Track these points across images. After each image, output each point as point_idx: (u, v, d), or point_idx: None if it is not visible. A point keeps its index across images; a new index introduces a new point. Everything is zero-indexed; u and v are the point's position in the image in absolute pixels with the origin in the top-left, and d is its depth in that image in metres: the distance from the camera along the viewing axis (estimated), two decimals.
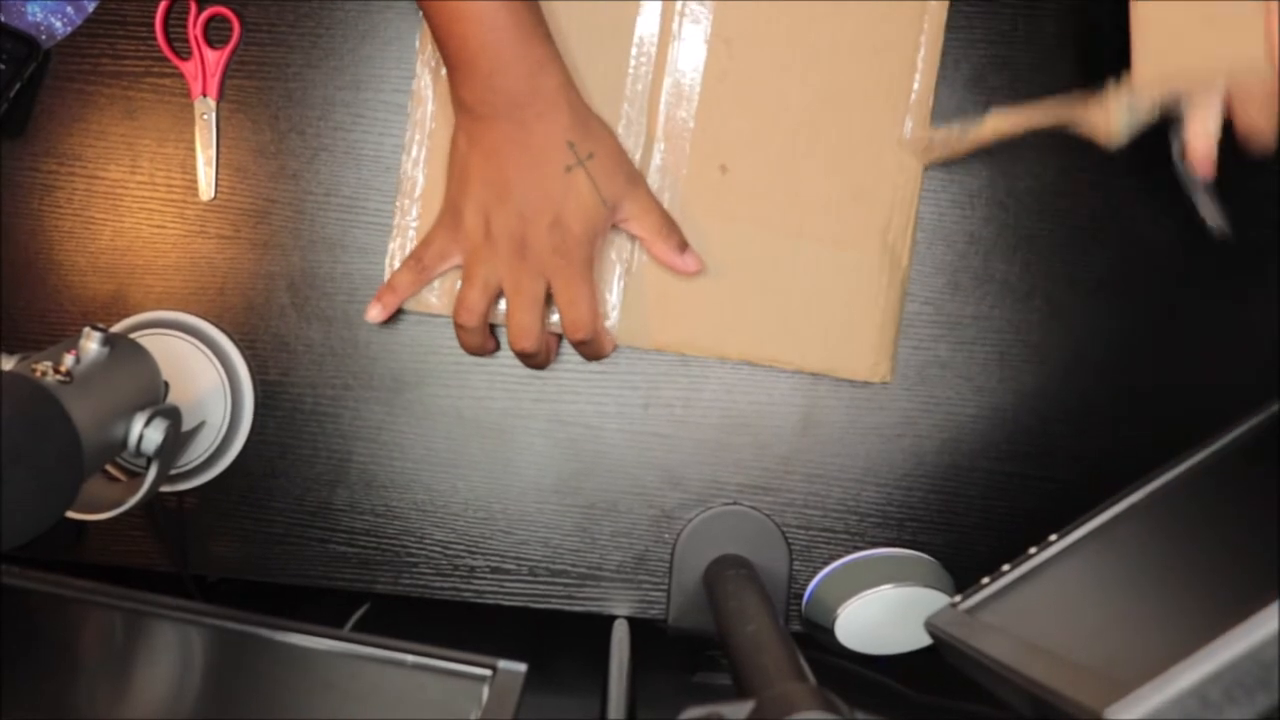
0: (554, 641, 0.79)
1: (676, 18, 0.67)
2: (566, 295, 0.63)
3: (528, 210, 0.60)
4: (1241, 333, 0.70)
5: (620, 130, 0.67)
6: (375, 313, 0.66)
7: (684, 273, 0.66)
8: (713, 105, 0.67)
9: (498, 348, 0.69)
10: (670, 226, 0.66)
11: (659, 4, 0.66)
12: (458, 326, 0.65)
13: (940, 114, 0.69)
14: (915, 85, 0.67)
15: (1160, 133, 0.69)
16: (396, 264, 0.69)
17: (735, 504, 0.71)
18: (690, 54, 0.67)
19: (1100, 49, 0.68)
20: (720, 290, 0.68)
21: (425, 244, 0.65)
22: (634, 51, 0.67)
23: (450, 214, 0.63)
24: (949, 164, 0.69)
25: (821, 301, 0.68)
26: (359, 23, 0.69)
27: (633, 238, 0.66)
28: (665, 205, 0.66)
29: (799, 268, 0.68)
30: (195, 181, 0.70)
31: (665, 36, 0.67)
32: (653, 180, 0.67)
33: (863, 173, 0.67)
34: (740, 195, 0.67)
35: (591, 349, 0.66)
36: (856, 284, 0.68)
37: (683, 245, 0.66)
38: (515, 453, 0.71)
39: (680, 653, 0.75)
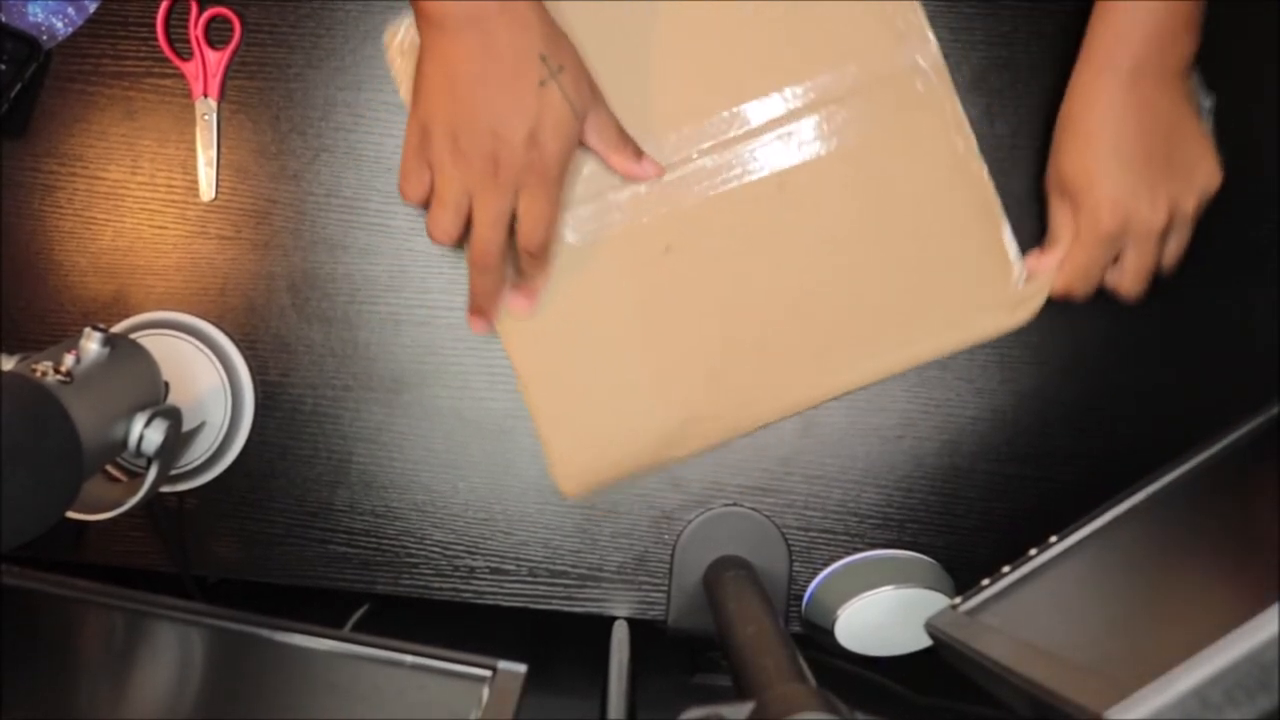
0: (554, 642, 0.79)
1: (779, 128, 0.67)
2: (533, 210, 0.61)
3: (501, 128, 0.58)
4: (1241, 333, 0.70)
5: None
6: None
7: (642, 178, 0.66)
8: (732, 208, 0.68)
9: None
10: (625, 137, 0.65)
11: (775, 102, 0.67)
12: (429, 229, 0.63)
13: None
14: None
15: None
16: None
17: (735, 505, 0.71)
18: (765, 157, 0.67)
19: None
20: (833, 319, 0.68)
21: (403, 174, 0.63)
22: (726, 115, 0.67)
23: (418, 131, 0.61)
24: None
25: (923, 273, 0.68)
26: (360, 23, 0.69)
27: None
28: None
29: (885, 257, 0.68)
30: (196, 182, 0.70)
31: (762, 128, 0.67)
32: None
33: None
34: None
35: (536, 265, 0.65)
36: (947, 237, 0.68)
37: (638, 153, 0.65)
38: (515, 453, 0.71)
39: (680, 654, 0.75)
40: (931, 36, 0.67)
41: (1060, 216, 0.65)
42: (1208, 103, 0.66)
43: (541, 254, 0.64)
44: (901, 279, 0.68)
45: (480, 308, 0.67)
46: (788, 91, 0.67)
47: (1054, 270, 0.66)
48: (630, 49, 0.66)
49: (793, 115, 0.67)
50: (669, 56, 0.67)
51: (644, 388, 0.68)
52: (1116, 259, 0.65)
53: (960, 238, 0.68)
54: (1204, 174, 0.63)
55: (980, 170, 0.67)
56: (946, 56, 0.68)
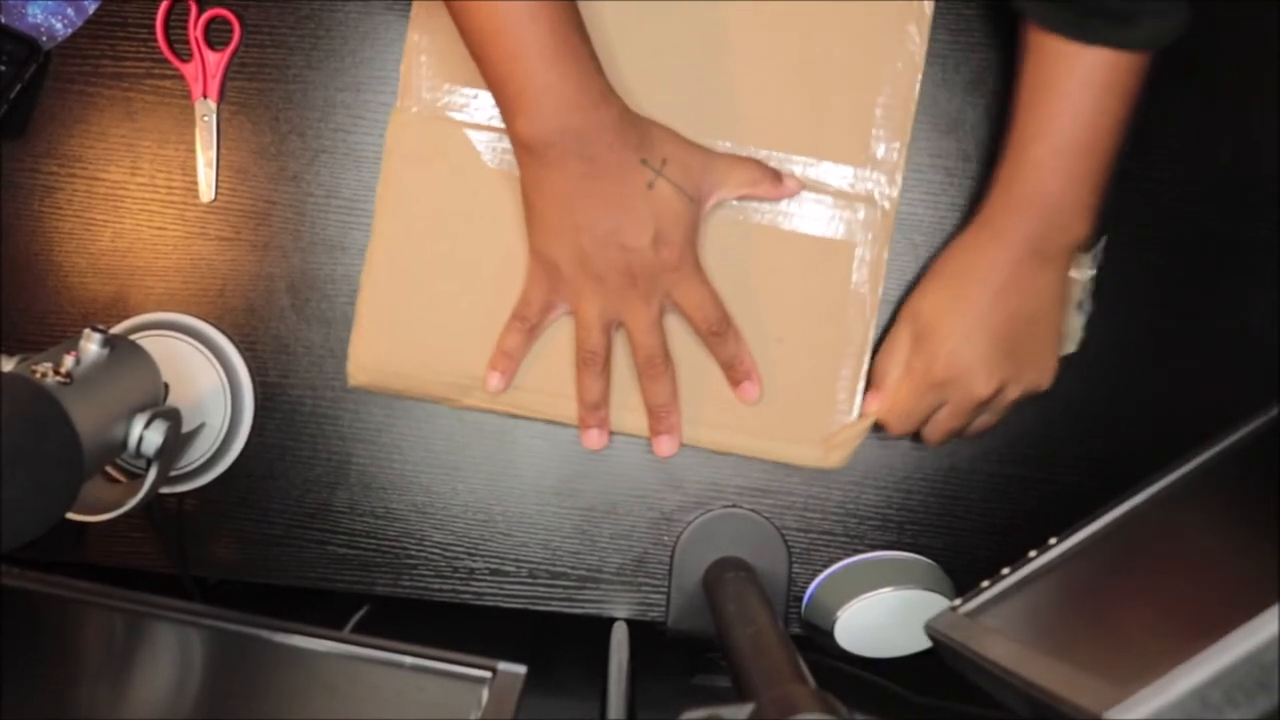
0: (554, 643, 0.79)
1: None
2: (691, 300, 0.63)
3: (626, 239, 0.60)
4: (1241, 333, 0.70)
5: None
6: (495, 381, 0.67)
7: (791, 194, 0.66)
8: None
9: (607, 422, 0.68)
10: (759, 169, 0.65)
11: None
12: (584, 374, 0.65)
13: (940, 118, 0.69)
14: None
15: (1164, 136, 0.69)
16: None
17: (735, 507, 0.71)
18: None
19: None
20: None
21: (526, 303, 0.65)
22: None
23: (542, 266, 0.63)
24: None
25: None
26: (360, 25, 0.69)
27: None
28: None
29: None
30: (196, 183, 0.70)
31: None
32: None
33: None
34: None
35: (729, 341, 0.65)
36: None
37: (776, 176, 0.66)
38: (515, 455, 0.71)
39: (680, 655, 0.75)
40: (900, 180, 0.67)
41: (896, 346, 0.66)
42: (1091, 271, 0.66)
43: (727, 329, 0.65)
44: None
45: (668, 425, 0.67)
46: (752, 149, 0.67)
47: (873, 414, 0.67)
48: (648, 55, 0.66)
49: None
50: (670, 81, 0.67)
51: (470, 328, 0.68)
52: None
53: (815, 365, 0.68)
54: (1039, 372, 0.64)
55: (868, 320, 0.68)
56: (945, 57, 0.68)
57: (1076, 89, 0.59)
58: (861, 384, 0.68)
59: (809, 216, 0.67)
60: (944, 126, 0.69)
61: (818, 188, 0.67)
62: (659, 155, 0.61)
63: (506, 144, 0.67)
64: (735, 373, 0.67)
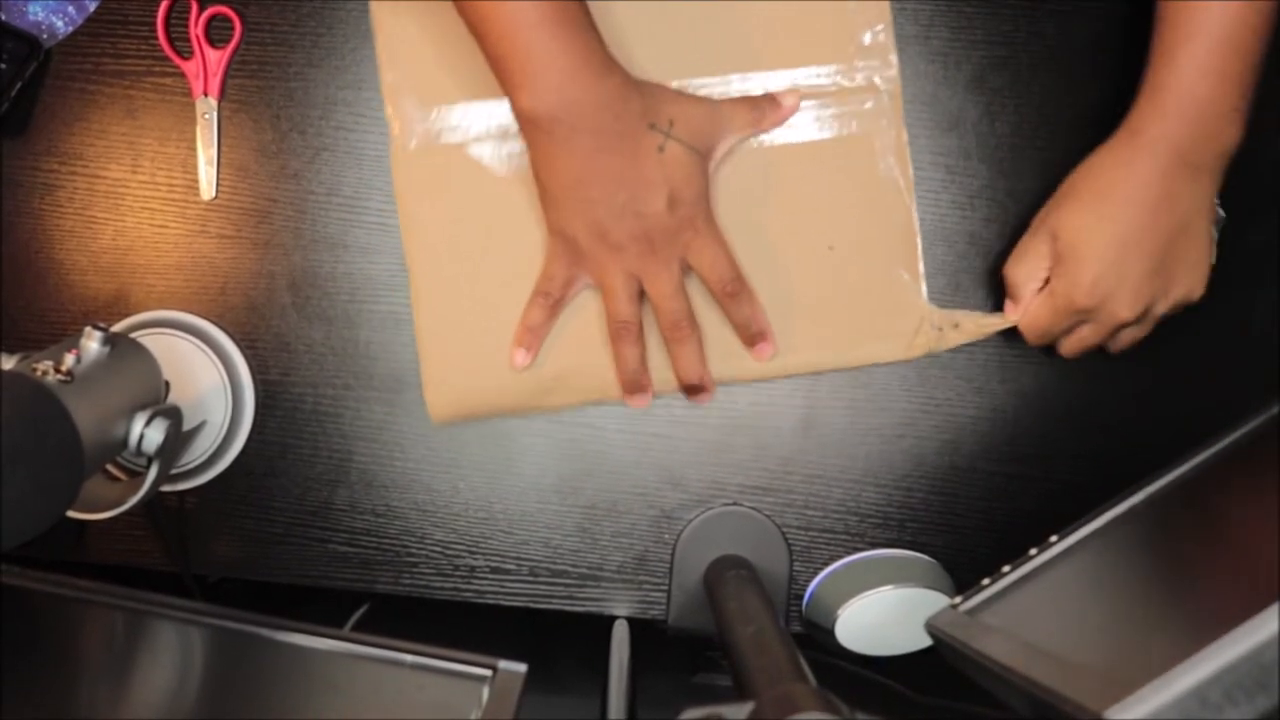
0: (554, 642, 0.79)
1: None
2: (706, 258, 0.63)
3: (642, 205, 0.60)
4: (1241, 333, 0.70)
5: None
6: (521, 357, 0.67)
7: (790, 113, 0.66)
8: None
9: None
10: (755, 103, 0.65)
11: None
12: (619, 344, 0.65)
13: (941, 116, 0.69)
14: None
15: None
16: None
17: (736, 505, 0.71)
18: None
19: (1100, 50, 0.68)
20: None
21: (548, 278, 0.65)
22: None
23: (561, 241, 0.63)
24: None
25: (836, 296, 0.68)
26: (361, 22, 0.69)
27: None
28: None
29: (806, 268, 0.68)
30: (196, 181, 0.70)
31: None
32: None
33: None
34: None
35: (743, 302, 0.65)
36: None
37: (773, 100, 0.65)
38: (516, 453, 0.71)
39: (680, 653, 0.75)
40: (894, 60, 0.67)
41: (1031, 259, 0.64)
42: (1221, 215, 0.65)
43: (741, 289, 0.65)
44: (808, 284, 0.68)
45: (701, 384, 0.67)
46: (739, 77, 0.67)
47: (1011, 322, 0.66)
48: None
49: None
50: (640, 19, 0.66)
51: None
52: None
53: (870, 262, 0.68)
54: (1189, 284, 0.63)
55: (908, 203, 0.68)
56: (946, 55, 0.68)
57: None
58: (921, 266, 0.68)
59: (820, 123, 0.67)
60: (945, 124, 0.69)
61: (819, 93, 0.67)
62: (665, 117, 0.60)
63: (510, 147, 0.67)
64: (749, 333, 0.66)
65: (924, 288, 0.69)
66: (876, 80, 0.67)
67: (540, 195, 0.63)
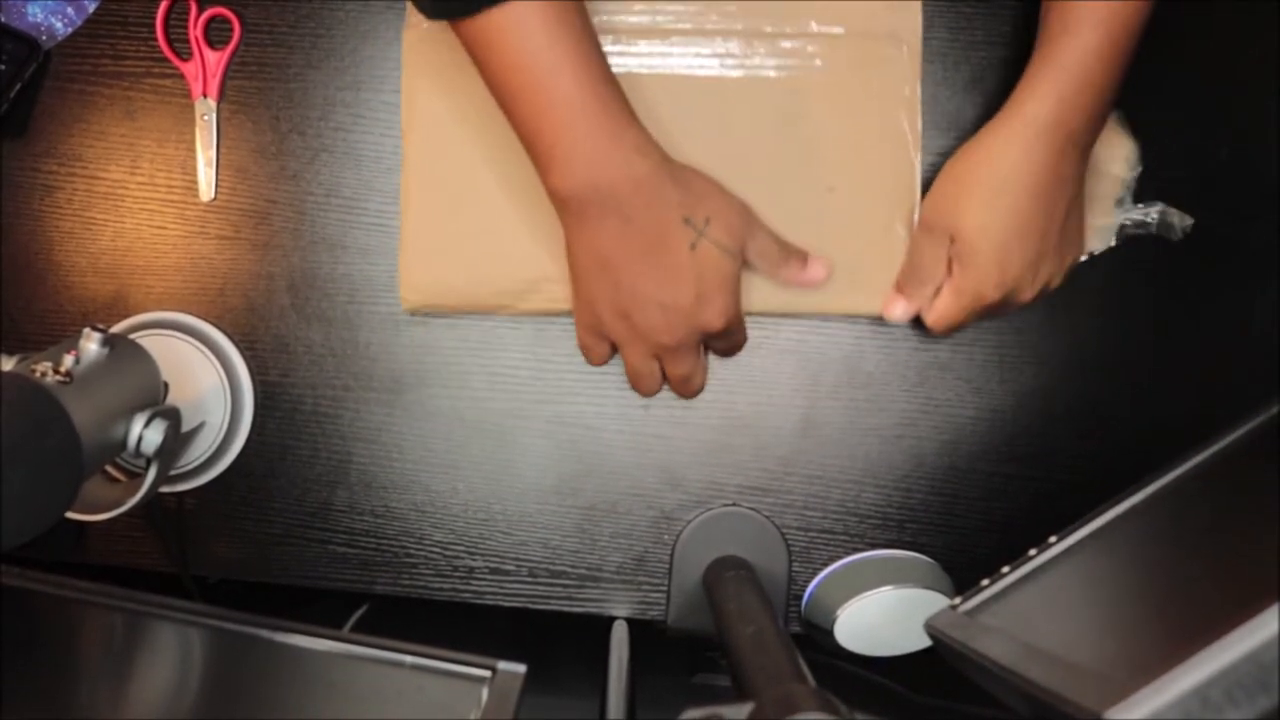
0: (553, 642, 0.79)
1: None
2: (723, 344, 0.64)
3: (667, 300, 0.58)
4: (1241, 333, 0.70)
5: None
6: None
7: (814, 283, 0.65)
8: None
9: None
10: (787, 249, 0.64)
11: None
12: (637, 385, 0.65)
13: (941, 115, 0.69)
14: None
15: (1164, 135, 0.69)
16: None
17: (735, 505, 0.71)
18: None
19: None
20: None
21: (583, 348, 0.65)
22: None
23: (588, 313, 0.62)
24: None
25: (832, 240, 0.67)
26: (360, 23, 0.69)
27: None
28: None
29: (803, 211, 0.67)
30: (196, 182, 0.70)
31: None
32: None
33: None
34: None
35: (734, 344, 0.66)
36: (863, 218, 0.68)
37: (803, 258, 0.64)
38: (515, 454, 0.71)
39: (680, 654, 0.75)
40: (920, 15, 0.67)
41: (928, 255, 0.64)
42: (1137, 170, 0.66)
43: (740, 342, 0.66)
44: (803, 222, 0.67)
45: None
46: (765, 5, 0.67)
47: (898, 319, 0.67)
48: None
49: (761, 34, 0.67)
50: None
51: (518, 231, 0.67)
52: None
53: (871, 210, 0.67)
54: (1076, 250, 0.63)
55: (912, 158, 0.67)
56: (945, 55, 0.68)
57: None
58: (917, 221, 0.67)
59: (840, 62, 0.67)
60: (944, 124, 0.69)
61: (842, 37, 0.67)
62: (702, 214, 0.58)
63: None
64: (722, 354, 0.67)
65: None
66: (902, 31, 0.67)
67: (570, 269, 0.62)
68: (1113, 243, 0.68)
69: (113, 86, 0.70)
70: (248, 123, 0.70)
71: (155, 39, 0.69)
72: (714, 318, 0.60)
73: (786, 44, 0.67)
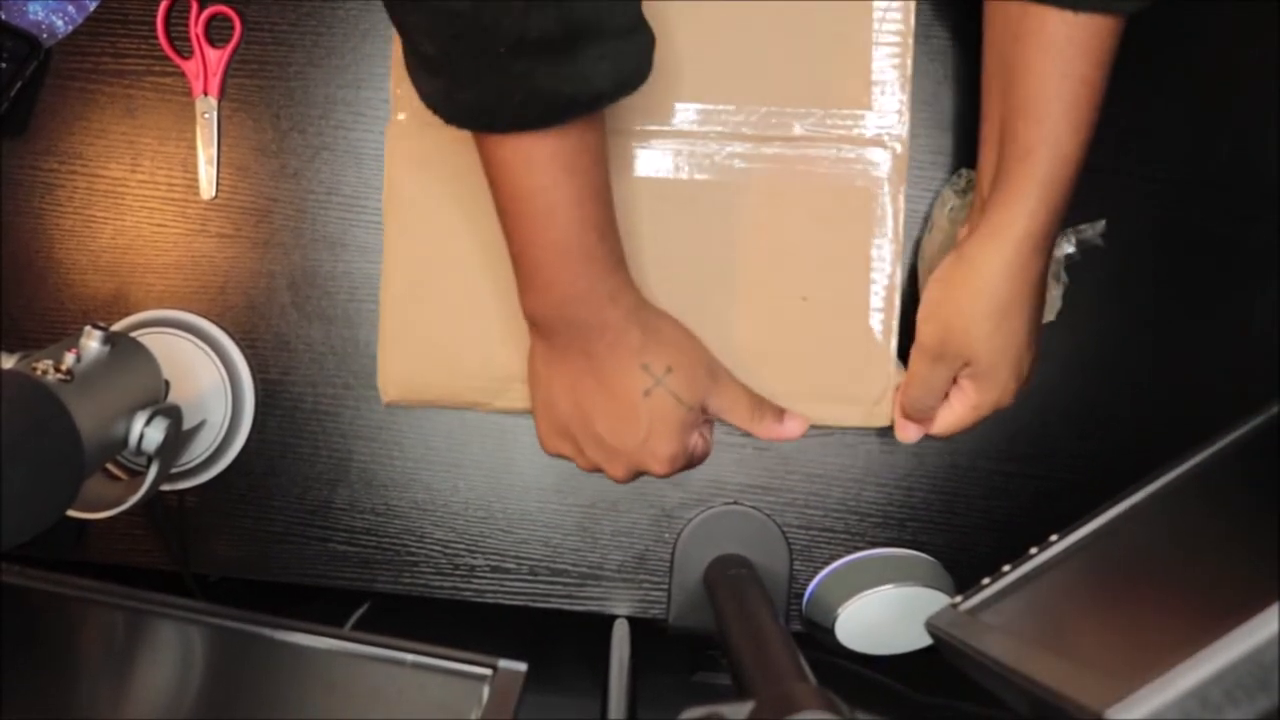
0: (554, 641, 0.79)
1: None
2: (660, 473, 0.62)
3: (612, 439, 0.59)
4: (1241, 333, 0.70)
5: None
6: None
7: (791, 439, 0.65)
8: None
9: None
10: (759, 405, 0.63)
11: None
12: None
13: (941, 115, 0.69)
14: None
15: (1164, 135, 0.69)
16: None
17: (736, 503, 0.71)
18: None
19: None
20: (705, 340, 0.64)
21: (539, 437, 0.63)
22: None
23: (542, 418, 0.62)
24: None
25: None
26: (360, 21, 0.69)
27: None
28: None
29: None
30: (196, 180, 0.70)
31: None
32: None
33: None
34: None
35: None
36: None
37: (778, 413, 0.64)
38: (516, 451, 0.71)
39: (680, 652, 0.75)
40: (907, 119, 0.66)
41: (939, 389, 0.63)
42: (1070, 249, 0.66)
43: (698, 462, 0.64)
44: (776, 333, 0.67)
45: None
46: (748, 110, 0.66)
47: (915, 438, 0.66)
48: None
49: (740, 136, 0.66)
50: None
51: (492, 331, 0.67)
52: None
53: (843, 319, 0.67)
54: (1039, 345, 0.63)
55: (894, 267, 0.66)
56: (945, 56, 0.68)
57: (1061, 63, 0.55)
58: (894, 340, 0.66)
59: (821, 166, 0.66)
60: (944, 124, 0.69)
61: (825, 138, 0.66)
62: (663, 363, 0.58)
63: None
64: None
65: (894, 347, 0.67)
66: (886, 138, 0.66)
67: (530, 374, 0.62)
68: (1053, 317, 0.67)
69: (113, 84, 0.70)
70: (248, 121, 0.70)
71: (156, 37, 0.69)
72: (656, 464, 0.60)
73: (769, 150, 0.66)
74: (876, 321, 0.67)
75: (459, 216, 0.67)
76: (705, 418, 0.62)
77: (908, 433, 0.66)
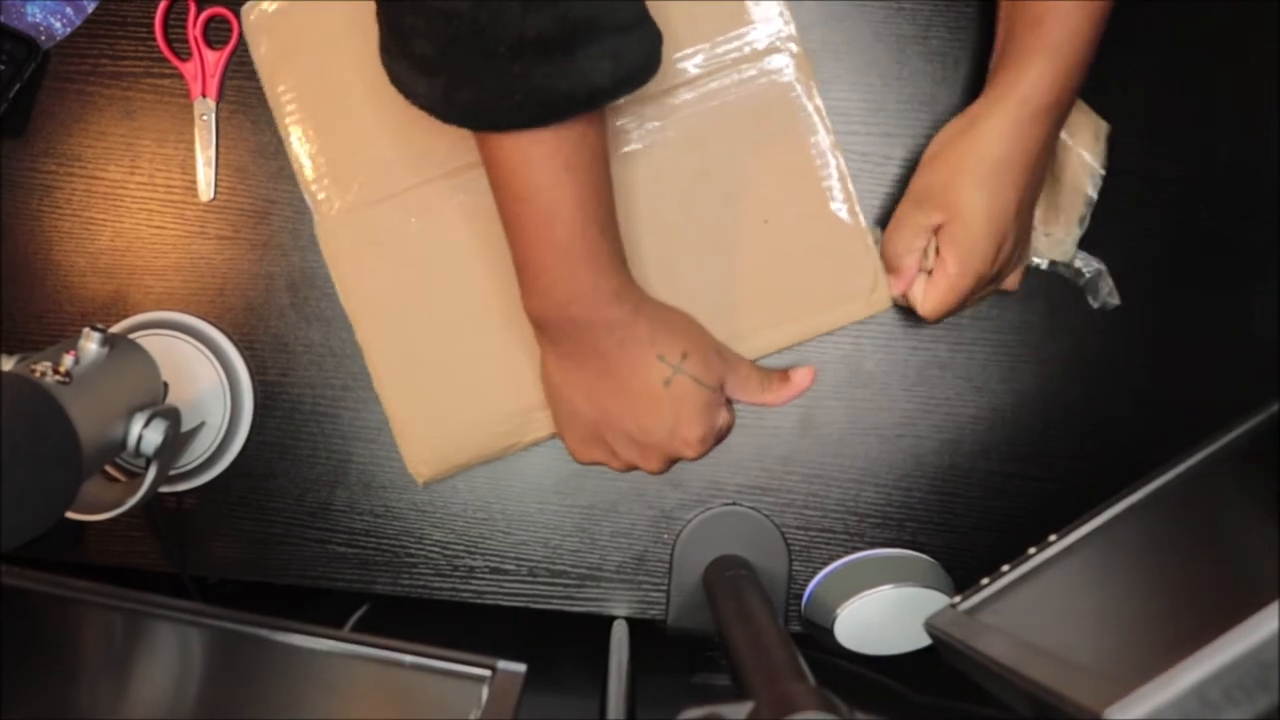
0: (553, 642, 0.79)
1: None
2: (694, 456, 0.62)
3: (640, 434, 0.59)
4: (1241, 333, 0.70)
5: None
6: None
7: (804, 390, 0.65)
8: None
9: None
10: (766, 375, 0.64)
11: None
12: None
13: (941, 115, 0.69)
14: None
15: (1165, 135, 0.69)
16: None
17: (734, 504, 0.71)
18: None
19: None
20: (689, 303, 0.64)
21: (569, 449, 0.64)
22: None
23: (568, 431, 0.62)
24: None
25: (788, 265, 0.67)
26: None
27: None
28: None
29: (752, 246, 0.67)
30: (195, 182, 0.70)
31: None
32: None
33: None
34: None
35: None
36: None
37: (784, 376, 0.64)
38: (515, 453, 0.71)
39: (680, 653, 0.75)
40: (790, 16, 0.66)
41: (913, 235, 0.63)
42: (1102, 171, 0.66)
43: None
44: (752, 263, 0.67)
45: None
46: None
47: (898, 299, 0.66)
48: None
49: (645, 99, 0.66)
50: None
51: (489, 373, 0.67)
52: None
53: (808, 227, 0.67)
54: (1043, 212, 0.63)
55: (834, 158, 0.67)
56: (945, 55, 0.68)
57: None
58: (863, 222, 0.67)
59: (730, 95, 0.66)
60: (943, 124, 0.69)
61: (721, 67, 0.66)
62: (677, 350, 0.58)
63: (427, 191, 0.67)
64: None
65: (864, 221, 0.67)
66: (779, 43, 0.66)
67: (545, 386, 0.62)
68: (1044, 266, 0.67)
69: (111, 86, 0.70)
70: (247, 122, 0.70)
71: (154, 39, 0.69)
72: (688, 449, 0.60)
73: (677, 100, 0.66)
74: (841, 210, 0.67)
75: (414, 278, 0.67)
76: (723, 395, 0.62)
77: (893, 287, 0.66)
